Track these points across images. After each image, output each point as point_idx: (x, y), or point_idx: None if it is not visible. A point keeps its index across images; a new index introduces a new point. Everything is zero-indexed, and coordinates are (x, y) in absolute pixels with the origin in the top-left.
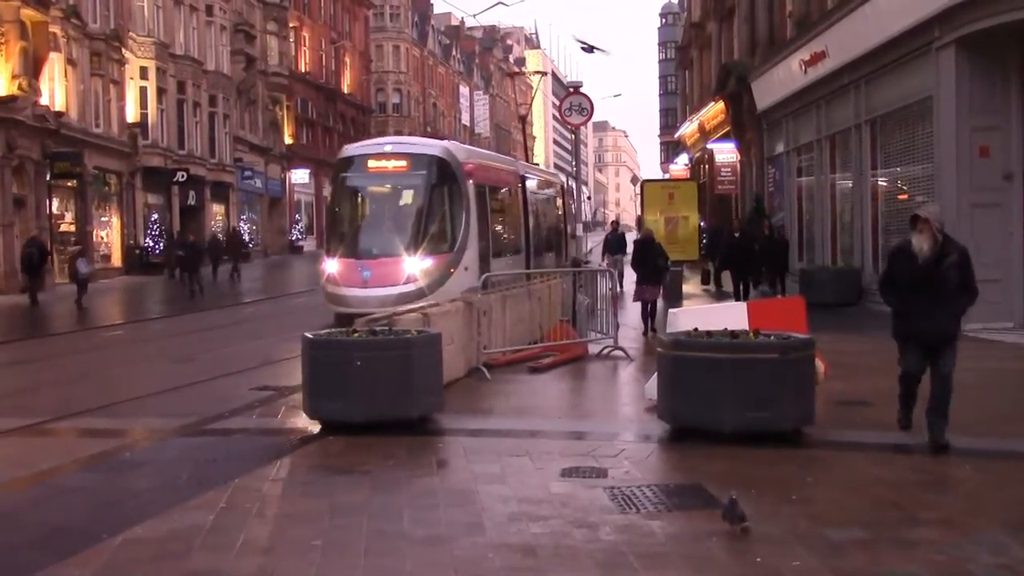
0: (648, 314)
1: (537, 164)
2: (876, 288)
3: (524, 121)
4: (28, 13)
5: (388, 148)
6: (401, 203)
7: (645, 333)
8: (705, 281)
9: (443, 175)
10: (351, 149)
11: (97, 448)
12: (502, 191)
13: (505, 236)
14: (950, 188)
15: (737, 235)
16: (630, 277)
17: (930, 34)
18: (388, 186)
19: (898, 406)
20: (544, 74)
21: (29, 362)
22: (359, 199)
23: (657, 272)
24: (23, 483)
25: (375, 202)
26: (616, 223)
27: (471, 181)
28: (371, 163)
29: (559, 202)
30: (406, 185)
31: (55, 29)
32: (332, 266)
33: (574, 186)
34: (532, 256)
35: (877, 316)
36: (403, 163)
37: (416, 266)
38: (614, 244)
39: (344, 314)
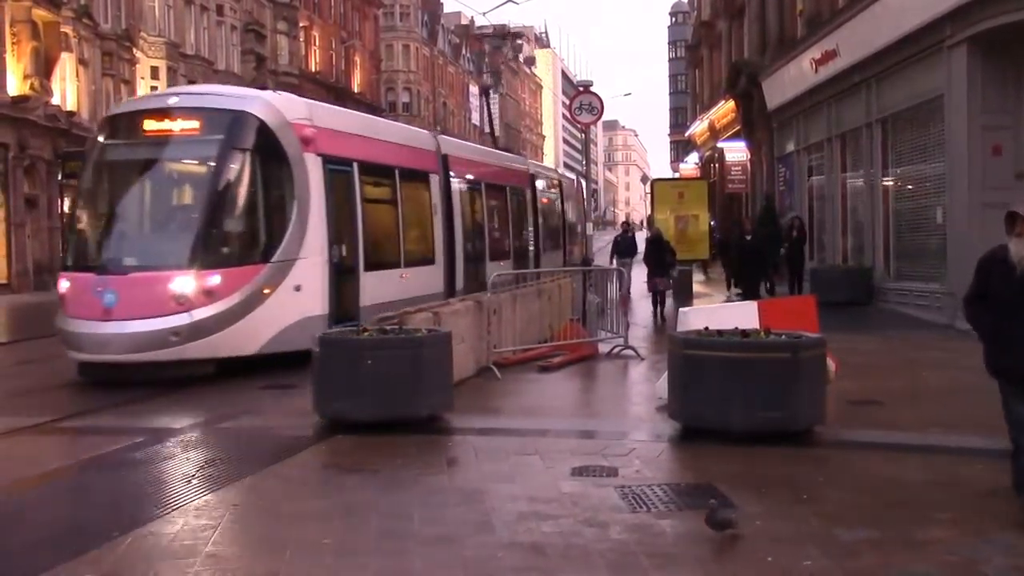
0: (659, 303)
1: (509, 151)
2: (887, 288)
3: (487, 93)
4: (40, 13)
5: (173, 101)
6: (184, 186)
7: (655, 318)
8: (730, 287)
9: (259, 142)
10: (123, 104)
11: (108, 447)
12: (396, 175)
13: (400, 241)
14: (962, 187)
15: (748, 238)
16: (638, 280)
17: (942, 32)
18: (167, 159)
19: (1012, 469)
20: (514, 35)
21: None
22: (120, 180)
23: (664, 266)
24: (34, 481)
25: (143, 184)
26: (627, 223)
27: (314, 153)
28: (146, 124)
29: (527, 198)
30: (194, 157)
31: (67, 29)
32: (64, 286)
33: (581, 182)
34: (462, 269)
35: (888, 315)
36: (193, 123)
37: (192, 284)
38: (623, 247)
39: (88, 363)
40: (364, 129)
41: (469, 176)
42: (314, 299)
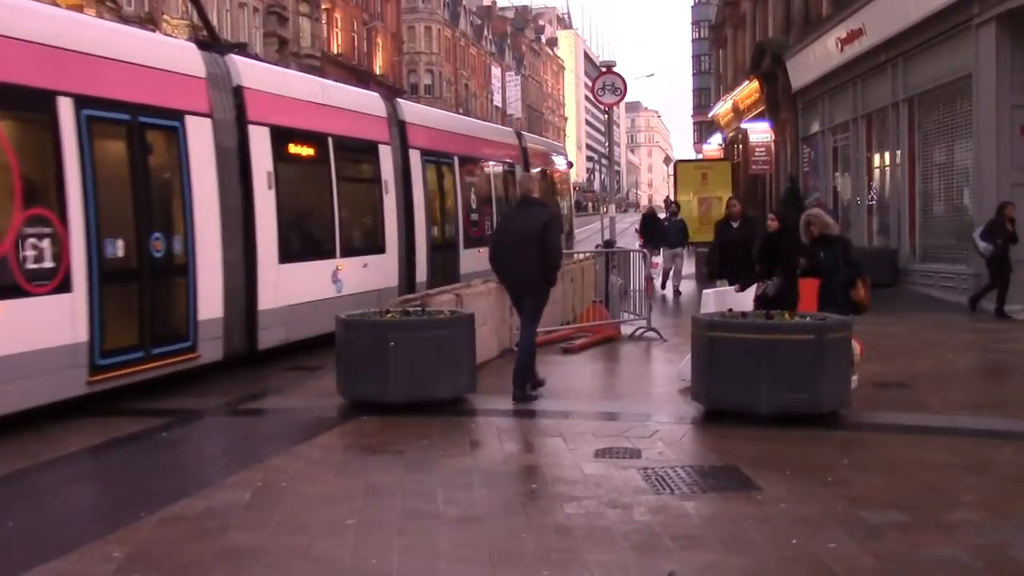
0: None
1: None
2: (912, 269)
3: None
4: None
5: None
6: None
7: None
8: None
9: None
10: None
11: (133, 427)
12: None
13: None
14: (990, 167)
15: (735, 224)
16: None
17: (970, 10)
18: None
19: None
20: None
21: None
22: None
23: (683, 238)
24: (61, 461)
25: None
26: (676, 204)
27: None
28: None
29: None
30: None
31: (90, 11)
32: None
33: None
34: None
35: (914, 297)
36: None
37: None
38: (673, 232)
39: None
40: None
41: None
42: None
